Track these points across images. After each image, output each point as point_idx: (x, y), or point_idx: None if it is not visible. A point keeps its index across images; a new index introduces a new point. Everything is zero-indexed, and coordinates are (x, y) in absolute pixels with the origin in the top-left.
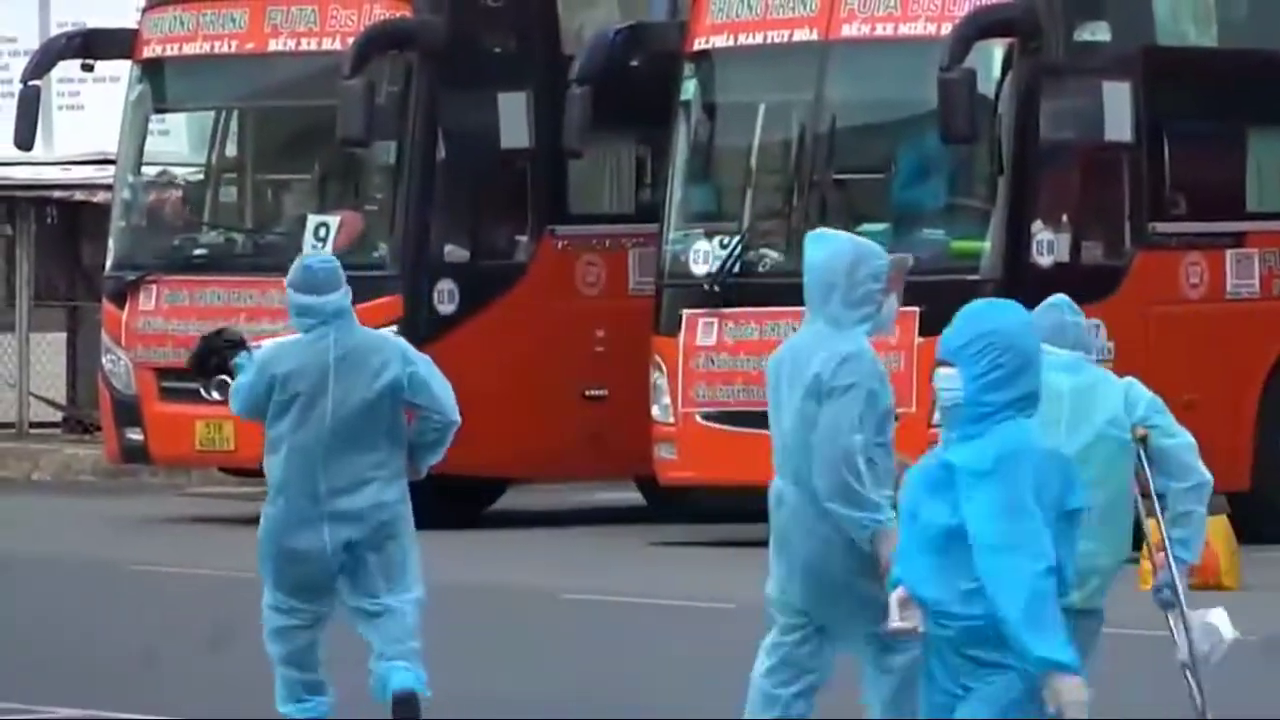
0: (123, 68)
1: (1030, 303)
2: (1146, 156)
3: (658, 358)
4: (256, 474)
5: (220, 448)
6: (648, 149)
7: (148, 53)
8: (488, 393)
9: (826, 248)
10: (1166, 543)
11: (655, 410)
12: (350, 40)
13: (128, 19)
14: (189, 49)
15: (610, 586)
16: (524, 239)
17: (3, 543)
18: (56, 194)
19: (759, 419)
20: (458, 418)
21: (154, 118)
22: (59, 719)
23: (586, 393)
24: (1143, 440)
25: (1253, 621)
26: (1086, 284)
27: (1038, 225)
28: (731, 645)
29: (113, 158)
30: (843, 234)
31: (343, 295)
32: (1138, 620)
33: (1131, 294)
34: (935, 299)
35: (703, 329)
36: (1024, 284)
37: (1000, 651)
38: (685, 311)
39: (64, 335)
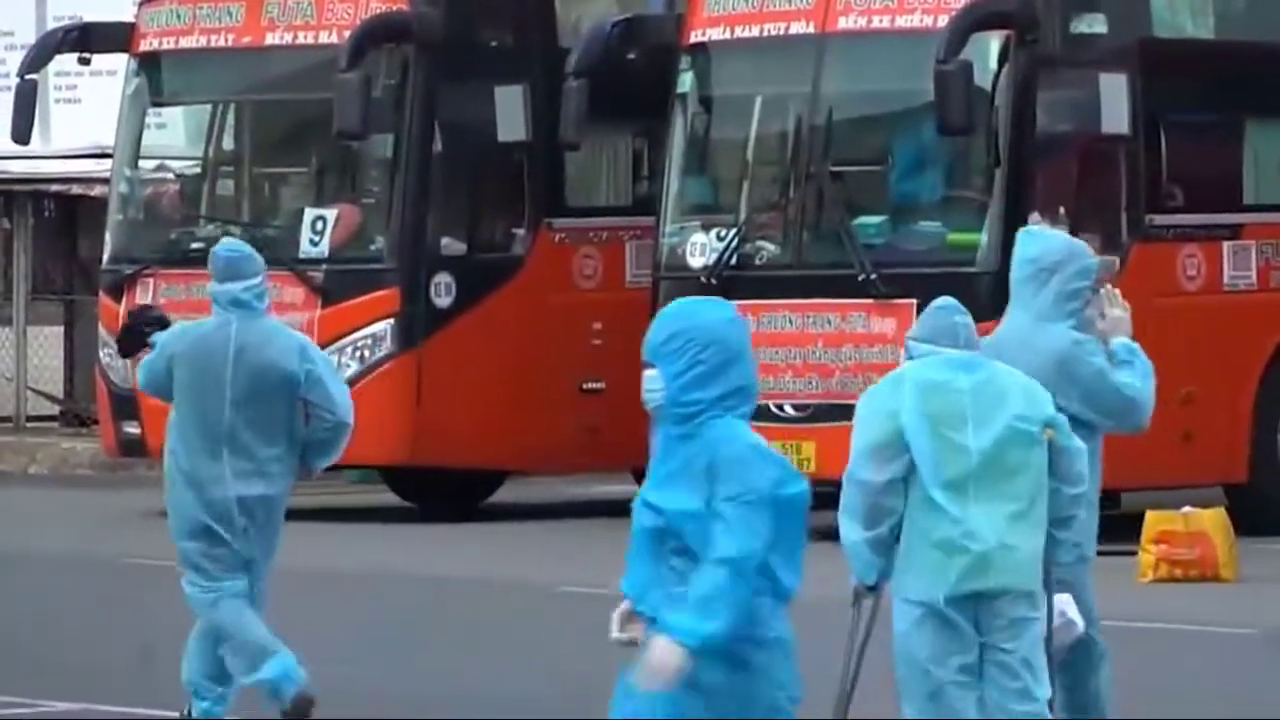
0: (120, 61)
1: None
2: (1143, 148)
3: None
4: None
5: None
6: (644, 141)
7: (145, 46)
8: (485, 386)
9: (1039, 244)
10: (1048, 540)
11: None
12: (347, 33)
13: (125, 13)
14: (186, 42)
15: (607, 580)
16: (521, 232)
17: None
18: (53, 187)
19: (757, 412)
20: (350, 419)
21: (151, 111)
22: (56, 714)
23: (584, 385)
24: (1049, 442)
25: (1251, 614)
26: None
27: (1034, 217)
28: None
29: (110, 151)
30: (1056, 231)
31: (243, 288)
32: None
33: (1128, 286)
34: (932, 291)
35: None
36: None
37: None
38: None
39: (61, 329)
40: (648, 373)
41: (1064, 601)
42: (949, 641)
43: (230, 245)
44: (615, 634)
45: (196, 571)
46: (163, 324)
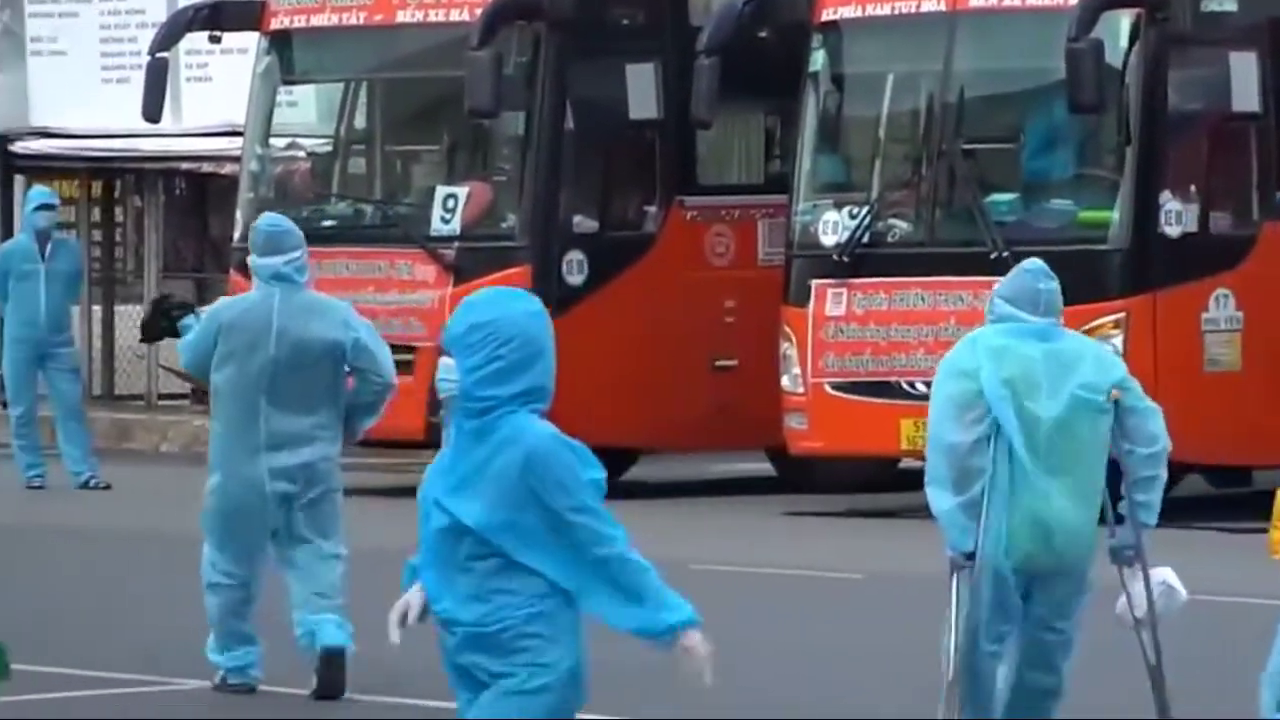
0: (250, 39)
1: (1161, 272)
2: (1275, 126)
3: (787, 328)
4: (390, 445)
5: None
6: (776, 120)
7: (275, 24)
8: (617, 363)
9: None
10: (1130, 505)
11: (785, 380)
12: (478, 11)
13: None
14: (317, 20)
15: (740, 557)
16: (653, 209)
17: (131, 516)
18: (184, 166)
19: (888, 389)
20: (395, 381)
21: (282, 89)
22: (188, 690)
23: (716, 363)
24: (1115, 403)
25: None
26: (1215, 254)
27: (1165, 195)
28: (860, 616)
29: (241, 129)
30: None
31: (284, 261)
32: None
33: (1260, 264)
34: (1064, 269)
35: (832, 299)
36: (1153, 254)
37: (504, 658)
38: (814, 282)
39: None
40: (444, 360)
41: (1165, 572)
42: (998, 610)
43: (271, 220)
44: (394, 636)
45: (219, 551)
46: (189, 308)
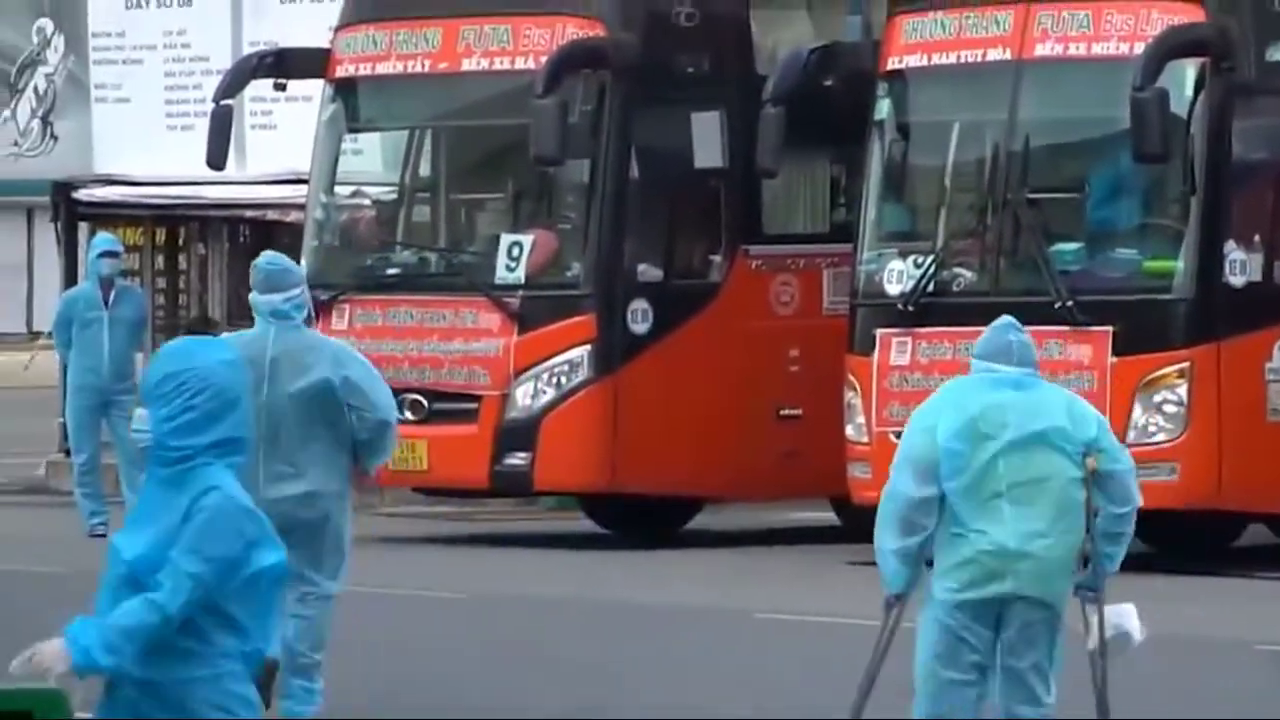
0: (315, 87)
1: (1226, 321)
2: None
3: (852, 377)
4: (450, 493)
5: (413, 468)
6: (842, 168)
7: (340, 72)
8: (682, 412)
9: None
10: (1095, 552)
11: (849, 429)
12: (543, 59)
13: (320, 38)
14: (382, 68)
15: (804, 606)
16: (718, 258)
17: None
18: (249, 213)
19: None
20: (391, 417)
21: (347, 137)
22: None
23: (781, 412)
24: (1093, 471)
25: None
26: (1279, 304)
27: (1230, 245)
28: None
29: (305, 177)
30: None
31: (283, 299)
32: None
33: None
34: (1128, 318)
35: (896, 348)
36: (1217, 304)
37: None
38: (879, 331)
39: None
40: (138, 411)
41: (1121, 613)
42: (959, 644)
43: (271, 259)
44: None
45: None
46: (208, 331)
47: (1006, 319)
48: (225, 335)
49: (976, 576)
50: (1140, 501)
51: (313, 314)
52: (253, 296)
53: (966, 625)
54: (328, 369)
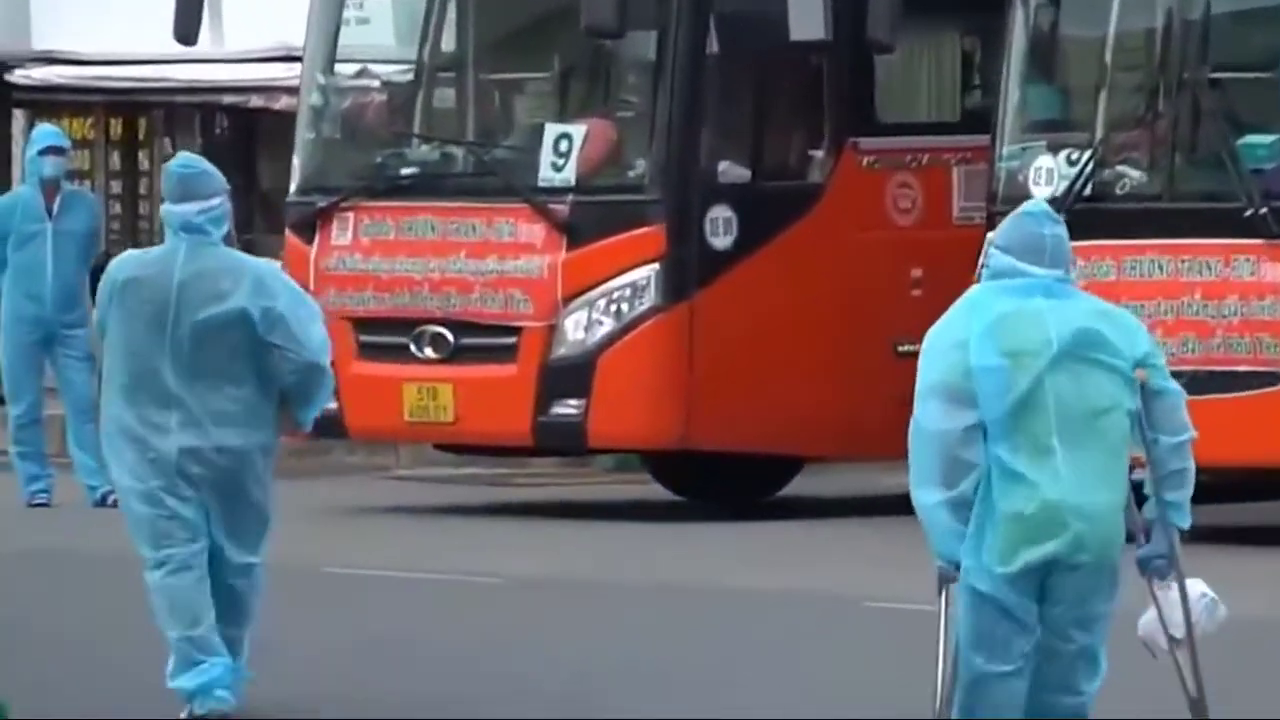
0: None
1: None
2: None
3: None
4: (482, 451)
5: (436, 418)
6: (975, 41)
7: None
8: (774, 349)
9: None
10: (1159, 506)
11: None
12: None
13: None
14: None
15: (925, 594)
16: (819, 154)
17: None
18: (227, 99)
19: None
20: (323, 359)
21: (351, 2)
22: None
23: (899, 348)
24: (1142, 384)
25: None
26: None
27: None
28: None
29: (298, 54)
30: None
31: (198, 210)
32: None
33: None
34: None
35: None
36: None
37: None
38: None
39: None
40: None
41: (1199, 584)
42: (1006, 625)
43: (185, 160)
44: None
45: (152, 546)
46: None
47: (1039, 204)
48: (128, 252)
49: (1025, 536)
50: (1195, 433)
51: (233, 230)
52: (164, 207)
53: (1015, 600)
54: (246, 297)
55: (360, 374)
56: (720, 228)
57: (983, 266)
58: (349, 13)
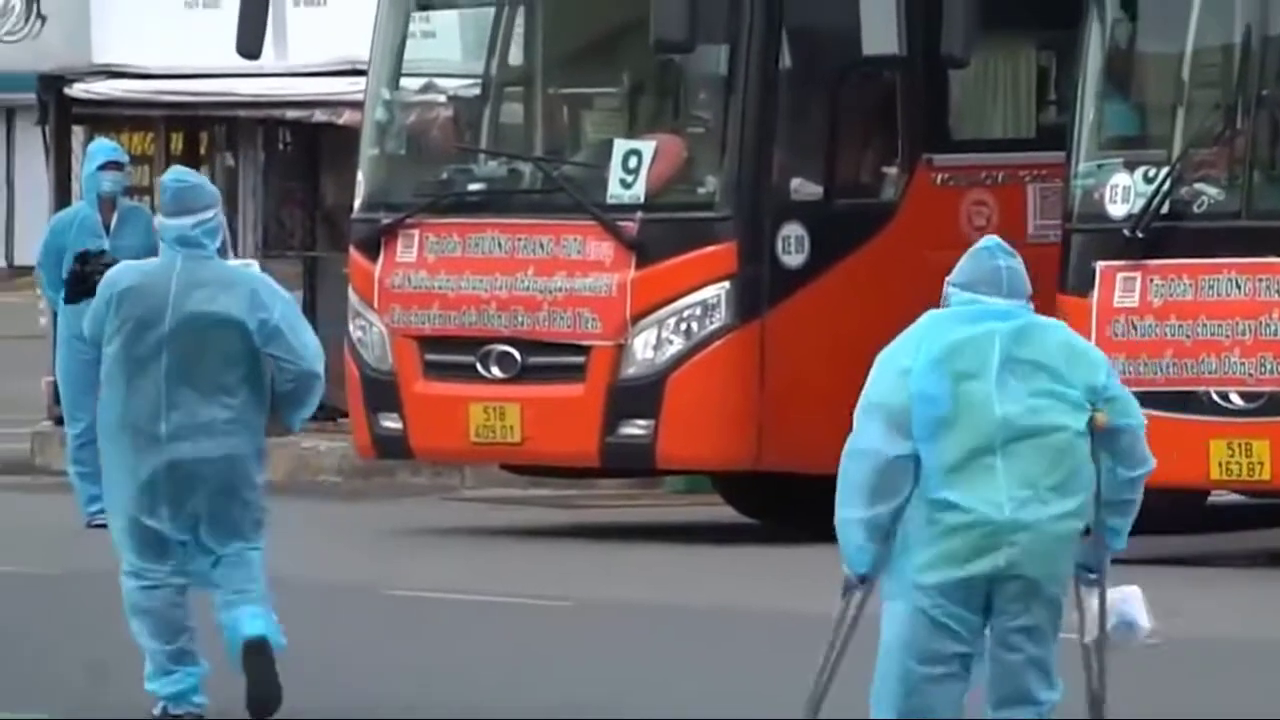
0: None
1: None
2: None
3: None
4: (549, 473)
5: (503, 439)
6: (1051, 56)
7: None
8: (847, 368)
9: None
10: (1098, 525)
11: None
12: None
13: None
14: None
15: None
16: (893, 171)
17: None
18: (290, 114)
19: (1193, 402)
20: (318, 368)
21: (416, 16)
22: None
23: None
24: (1100, 427)
25: None
26: None
27: None
28: (1163, 685)
29: (363, 67)
30: None
31: (194, 223)
32: None
33: None
34: None
35: (1122, 286)
36: None
37: None
38: (1099, 263)
39: (300, 295)
40: None
41: (1126, 598)
42: (938, 631)
43: (179, 174)
44: None
45: (135, 555)
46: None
47: (992, 239)
48: (125, 264)
49: (960, 551)
50: (1154, 464)
51: (228, 242)
52: (158, 220)
53: (948, 610)
54: (242, 310)
55: (425, 393)
56: (792, 246)
57: (944, 306)
58: (414, 26)
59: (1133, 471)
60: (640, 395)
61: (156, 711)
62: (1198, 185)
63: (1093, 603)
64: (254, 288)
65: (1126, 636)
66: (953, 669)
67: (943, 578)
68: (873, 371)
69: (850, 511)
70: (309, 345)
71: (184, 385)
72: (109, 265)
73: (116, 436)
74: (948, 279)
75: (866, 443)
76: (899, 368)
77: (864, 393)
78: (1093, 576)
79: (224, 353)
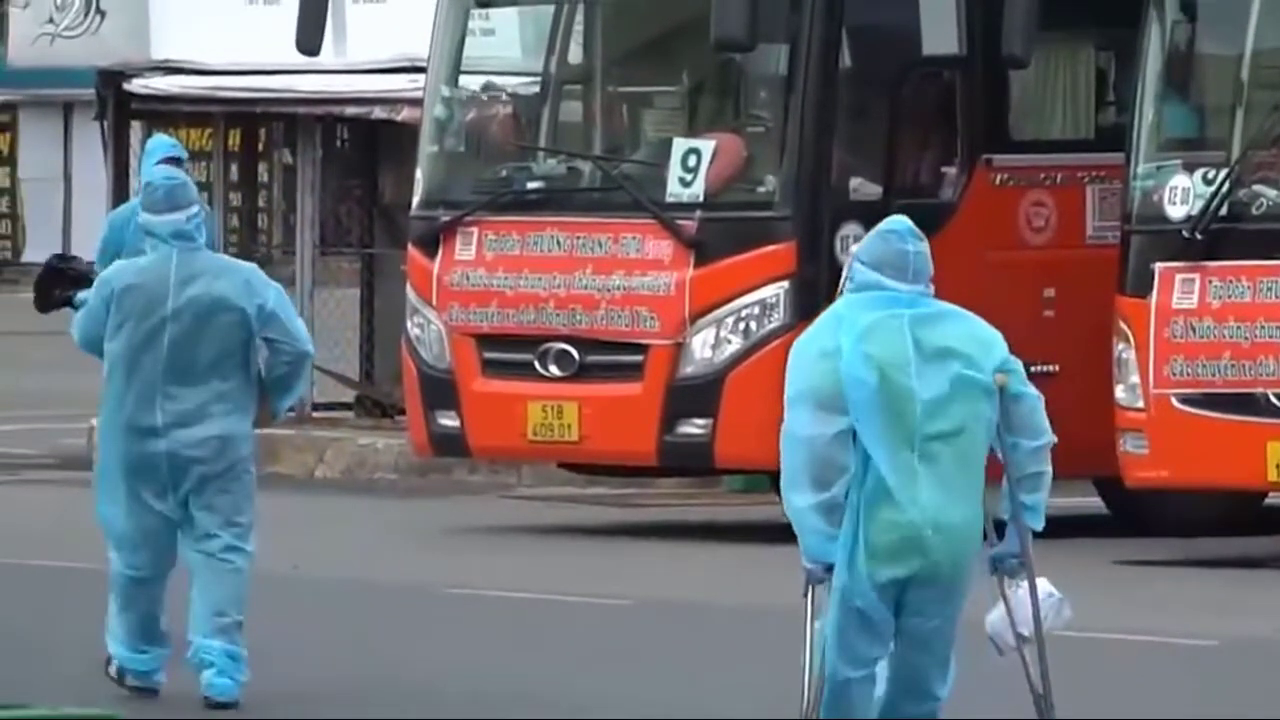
0: None
1: None
2: None
3: (1123, 325)
4: (606, 471)
5: (560, 437)
6: (1110, 56)
7: None
8: None
9: None
10: (1014, 507)
11: (1120, 391)
12: None
13: None
14: None
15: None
16: (952, 171)
17: (282, 556)
18: (349, 111)
19: (1252, 404)
20: (311, 349)
21: (476, 13)
22: None
23: (1032, 368)
24: (1001, 389)
25: None
26: None
27: None
28: (1216, 691)
29: (422, 65)
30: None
31: (186, 217)
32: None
33: None
34: None
35: (1181, 288)
36: None
37: None
38: (1159, 265)
39: (357, 292)
40: None
41: (1045, 584)
42: (866, 633)
43: (167, 173)
44: None
45: (129, 550)
46: (89, 281)
47: (902, 221)
48: (121, 262)
49: (888, 553)
50: (1053, 437)
51: (213, 236)
52: (144, 218)
53: (879, 610)
54: (240, 297)
55: (483, 391)
56: (851, 245)
57: (846, 280)
58: (474, 24)
59: (1034, 441)
60: (698, 394)
61: (111, 672)
62: (1257, 187)
63: (1020, 592)
64: (247, 276)
65: (1059, 610)
66: (872, 672)
67: (887, 575)
68: (790, 363)
69: (801, 498)
70: (300, 327)
71: (181, 373)
72: (80, 275)
73: (115, 430)
74: (854, 250)
75: (801, 429)
76: (819, 351)
77: (787, 386)
78: (1017, 562)
79: (221, 338)
